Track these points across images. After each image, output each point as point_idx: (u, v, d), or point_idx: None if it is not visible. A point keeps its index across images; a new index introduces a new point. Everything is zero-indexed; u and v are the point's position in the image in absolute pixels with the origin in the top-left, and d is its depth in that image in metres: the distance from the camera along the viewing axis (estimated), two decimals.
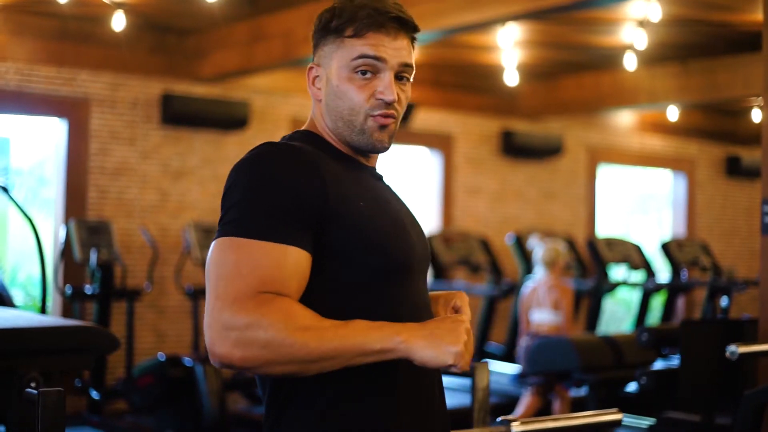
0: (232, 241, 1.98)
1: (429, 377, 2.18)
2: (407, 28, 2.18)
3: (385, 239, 2.10)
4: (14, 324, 3.50)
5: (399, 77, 2.19)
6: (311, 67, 2.24)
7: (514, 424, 2.83)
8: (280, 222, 1.99)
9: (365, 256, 2.07)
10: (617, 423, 3.09)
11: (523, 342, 8.19)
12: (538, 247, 8.64)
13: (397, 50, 2.16)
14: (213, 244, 2.02)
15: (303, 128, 2.28)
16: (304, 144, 2.17)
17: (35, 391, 2.18)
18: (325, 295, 2.05)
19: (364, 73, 2.15)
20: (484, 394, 2.93)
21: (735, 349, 3.44)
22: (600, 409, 3.32)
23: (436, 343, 1.95)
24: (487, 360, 9.89)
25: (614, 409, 3.09)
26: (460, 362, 1.95)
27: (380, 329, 1.95)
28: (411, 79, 2.23)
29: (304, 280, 2.01)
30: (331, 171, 2.09)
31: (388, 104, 2.15)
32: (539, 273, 8.38)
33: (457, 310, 2.25)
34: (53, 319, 4.18)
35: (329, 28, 2.18)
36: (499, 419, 2.84)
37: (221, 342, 1.90)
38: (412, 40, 2.23)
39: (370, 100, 2.15)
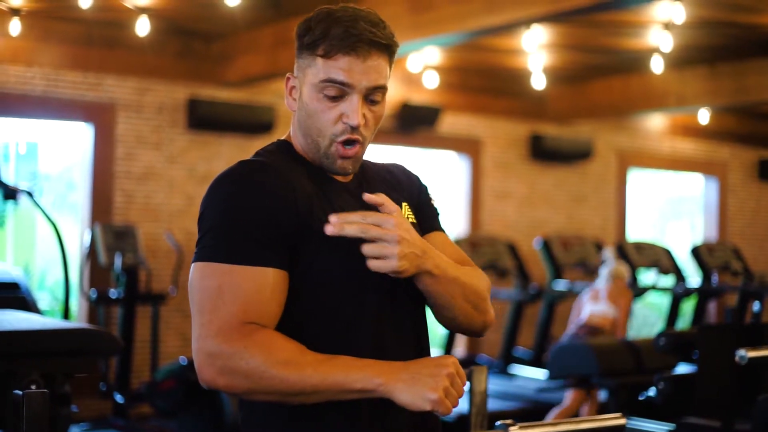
0: (212, 267, 2.02)
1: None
2: (380, 47, 2.13)
3: (339, 258, 2.10)
4: (14, 326, 3.52)
5: (370, 99, 2.15)
6: (289, 77, 2.22)
7: (512, 428, 2.79)
8: (257, 244, 2.03)
9: (321, 274, 2.10)
10: (621, 428, 3.05)
11: (569, 331, 8.18)
12: (610, 260, 8.67)
13: (367, 73, 2.11)
14: (193, 267, 2.07)
15: (283, 138, 2.28)
16: (280, 156, 2.19)
17: (20, 393, 2.19)
18: (292, 316, 2.08)
19: (332, 97, 2.12)
20: (481, 398, 2.89)
21: (744, 353, 3.40)
22: (605, 414, 3.28)
23: (415, 388, 1.95)
24: (514, 365, 9.86)
25: (617, 414, 3.05)
26: (439, 408, 1.95)
27: (361, 369, 1.97)
28: (384, 98, 2.19)
29: (283, 299, 2.06)
30: (302, 188, 2.12)
31: (354, 128, 2.13)
32: (601, 282, 8.38)
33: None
34: (56, 321, 4.20)
35: (303, 43, 2.15)
36: (498, 423, 2.81)
37: (207, 368, 1.97)
38: (390, 55, 2.18)
39: (337, 124, 2.13)
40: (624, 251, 10.10)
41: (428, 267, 2.11)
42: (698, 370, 4.93)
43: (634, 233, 12.94)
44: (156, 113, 9.05)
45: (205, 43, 9.18)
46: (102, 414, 8.11)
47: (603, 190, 12.20)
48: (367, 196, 2.10)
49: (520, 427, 2.88)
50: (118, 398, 7.87)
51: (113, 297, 8.01)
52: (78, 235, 8.90)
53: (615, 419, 3.12)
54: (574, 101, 11.26)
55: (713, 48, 9.34)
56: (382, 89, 2.16)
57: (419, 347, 2.27)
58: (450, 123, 10.83)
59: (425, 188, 2.42)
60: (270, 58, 8.59)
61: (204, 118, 9.13)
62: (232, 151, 9.40)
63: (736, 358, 3.39)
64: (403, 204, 2.30)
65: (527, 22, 7.13)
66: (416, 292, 2.25)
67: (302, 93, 2.17)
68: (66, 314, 6.38)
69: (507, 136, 11.42)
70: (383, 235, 2.03)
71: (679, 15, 7.22)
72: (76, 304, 8.60)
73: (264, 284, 2.02)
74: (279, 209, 2.06)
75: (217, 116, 9.20)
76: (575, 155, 11.75)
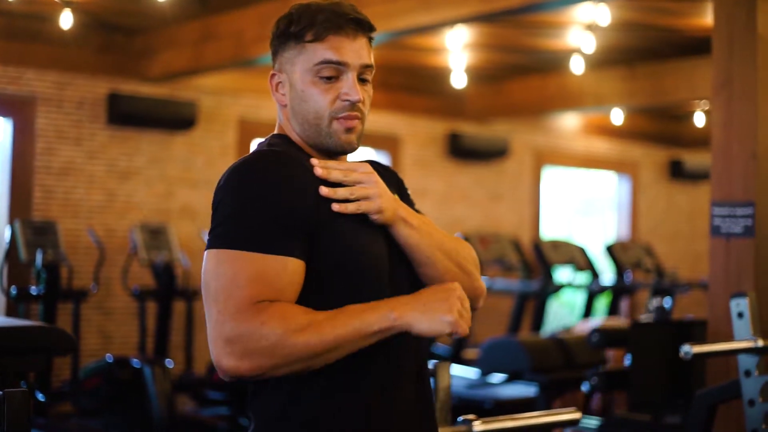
0: (229, 254, 2.02)
1: (405, 378, 2.19)
2: (364, 28, 2.22)
3: (354, 246, 2.14)
4: None
5: (361, 79, 2.21)
6: (273, 74, 2.27)
7: (475, 423, 2.85)
8: (275, 233, 2.04)
9: (341, 262, 2.12)
10: (576, 422, 3.12)
11: None
12: None
13: (357, 52, 2.19)
14: (207, 253, 2.06)
15: (276, 132, 2.30)
16: (286, 147, 2.21)
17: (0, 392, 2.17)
18: (309, 297, 2.09)
19: (328, 78, 2.18)
20: (445, 393, 2.95)
21: (689, 349, 3.49)
22: (558, 408, 3.34)
23: (430, 314, 2.00)
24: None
25: (572, 408, 3.12)
26: (458, 329, 2.01)
27: (374, 310, 2.01)
28: (371, 79, 2.26)
29: (299, 288, 2.07)
30: (315, 177, 2.14)
31: (354, 105, 2.18)
32: None
33: None
34: (8, 319, 4.14)
35: (288, 34, 2.21)
36: (460, 419, 2.86)
37: (227, 356, 1.96)
38: (370, 39, 2.26)
39: (335, 103, 2.18)
40: (540, 248, 10.22)
41: (403, 215, 2.21)
42: (631, 365, 5.05)
43: (548, 231, 13.11)
44: (76, 108, 8.93)
45: (128, 37, 9.09)
46: None
47: (519, 188, 12.35)
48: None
49: (483, 422, 2.94)
50: (39, 397, 7.75)
51: (34, 294, 7.88)
52: None
53: (570, 413, 3.19)
54: (492, 100, 11.37)
55: (631, 49, 9.50)
56: (372, 68, 2.24)
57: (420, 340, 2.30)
58: (369, 120, 10.70)
59: (401, 181, 2.50)
60: (193, 54, 8.53)
61: (125, 114, 9.03)
62: (153, 147, 9.32)
63: (681, 354, 3.48)
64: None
65: (455, 22, 7.17)
66: None
67: (293, 83, 2.21)
68: None
69: (426, 133, 11.49)
70: (362, 178, 2.16)
71: (604, 17, 7.33)
72: None
73: (281, 273, 2.03)
74: (297, 198, 2.08)
75: (139, 111, 9.10)
76: (492, 153, 11.87)
